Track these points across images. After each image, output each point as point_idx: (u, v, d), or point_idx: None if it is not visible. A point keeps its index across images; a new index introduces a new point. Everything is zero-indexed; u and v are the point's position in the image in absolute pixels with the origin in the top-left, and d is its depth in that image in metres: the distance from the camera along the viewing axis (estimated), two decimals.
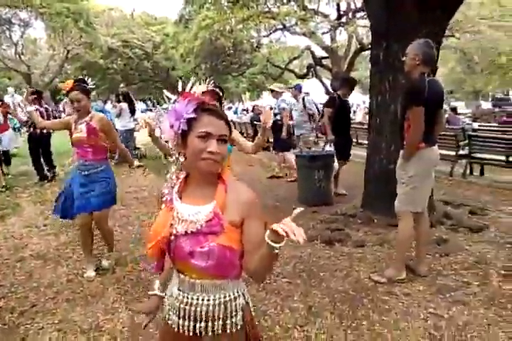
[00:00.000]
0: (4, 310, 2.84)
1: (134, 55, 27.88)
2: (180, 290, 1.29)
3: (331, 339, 2.41)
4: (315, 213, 4.77)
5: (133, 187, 6.44)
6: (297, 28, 17.14)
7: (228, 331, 1.27)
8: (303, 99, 6.97)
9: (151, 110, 25.74)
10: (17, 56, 25.25)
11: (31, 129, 6.88)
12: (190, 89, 1.28)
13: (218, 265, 1.21)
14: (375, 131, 4.59)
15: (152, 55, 28.29)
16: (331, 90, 16.56)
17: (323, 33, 18.05)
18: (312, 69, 19.46)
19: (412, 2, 4.09)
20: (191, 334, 1.28)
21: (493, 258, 3.46)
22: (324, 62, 18.87)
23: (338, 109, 5.71)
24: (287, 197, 5.72)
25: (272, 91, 7.32)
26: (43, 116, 6.75)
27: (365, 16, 12.31)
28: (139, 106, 19.55)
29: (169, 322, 1.33)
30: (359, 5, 14.73)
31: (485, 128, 9.90)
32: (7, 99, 9.04)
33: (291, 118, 7.22)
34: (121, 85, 19.04)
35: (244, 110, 20.76)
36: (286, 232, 0.98)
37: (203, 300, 1.26)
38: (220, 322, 1.26)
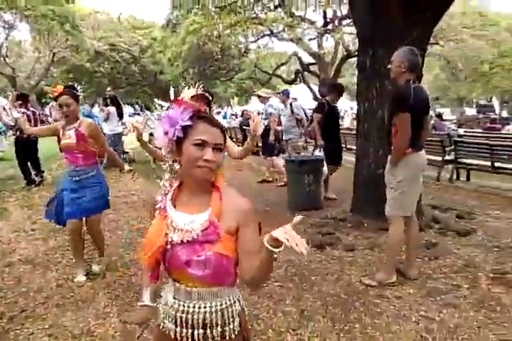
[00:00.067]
0: None
1: (121, 58, 27.68)
2: (175, 298, 1.28)
3: None
4: (305, 217, 4.78)
5: (122, 192, 6.38)
6: (284, 34, 17.31)
7: (227, 337, 1.27)
8: (291, 104, 7.03)
9: (138, 114, 25.56)
10: (1, 58, 24.84)
11: (18, 133, 6.78)
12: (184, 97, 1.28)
13: (215, 273, 1.21)
14: (363, 136, 4.65)
15: (139, 59, 28.14)
16: (318, 96, 16.75)
17: (310, 40, 18.25)
18: (300, 74, 19.65)
19: (397, 7, 4.17)
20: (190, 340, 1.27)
21: (482, 261, 3.52)
22: (312, 68, 19.07)
23: (327, 114, 5.79)
24: (277, 201, 5.74)
25: (259, 96, 7.38)
26: (29, 120, 6.67)
27: (351, 23, 12.52)
28: (127, 110, 19.41)
29: (164, 329, 1.31)
30: (345, 12, 14.94)
31: (470, 134, 10.10)
32: None
33: (279, 123, 7.28)
34: (108, 89, 18.92)
35: (233, 115, 20.81)
36: (289, 242, 0.99)
37: (199, 307, 1.25)
38: (219, 328, 1.26)
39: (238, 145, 3.12)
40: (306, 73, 19.41)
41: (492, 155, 6.50)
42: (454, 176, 7.35)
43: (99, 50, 26.03)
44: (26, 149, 6.92)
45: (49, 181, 7.18)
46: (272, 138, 6.91)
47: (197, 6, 14.58)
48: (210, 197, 1.26)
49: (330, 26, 16.41)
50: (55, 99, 3.19)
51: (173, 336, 1.28)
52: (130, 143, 9.80)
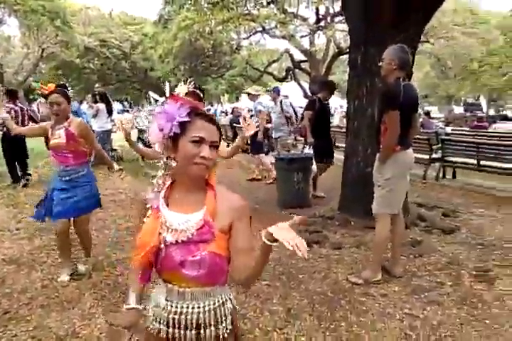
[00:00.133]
0: None
1: (111, 54, 27.40)
2: (168, 300, 1.26)
3: None
4: (293, 215, 4.80)
5: (110, 190, 6.32)
6: (277, 30, 17.28)
7: (221, 337, 1.27)
8: (281, 101, 7.03)
9: (127, 111, 25.39)
10: None
11: (4, 129, 6.66)
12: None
13: (209, 273, 1.20)
14: (353, 134, 4.67)
15: (130, 55, 27.88)
16: (309, 93, 16.76)
17: (302, 37, 18.26)
18: (291, 72, 19.62)
19: (390, 6, 4.18)
20: None
21: (465, 259, 3.57)
22: (303, 65, 19.07)
23: (319, 112, 5.80)
24: (266, 199, 5.75)
25: (249, 94, 7.37)
26: (17, 116, 6.59)
27: (344, 21, 12.54)
28: (116, 106, 19.25)
29: (154, 331, 1.29)
30: (338, 9, 14.95)
31: (457, 132, 10.19)
32: None
33: (269, 121, 7.28)
34: (97, 85, 18.72)
35: (223, 112, 20.72)
36: (291, 245, 0.98)
37: (193, 308, 1.24)
38: (212, 328, 1.25)
39: (228, 144, 3.12)
40: (297, 70, 19.40)
41: (478, 154, 6.57)
42: (441, 174, 7.42)
43: (90, 46, 25.73)
44: (14, 147, 6.80)
45: (35, 179, 7.09)
46: (260, 135, 6.91)
47: (189, 2, 14.51)
48: (205, 195, 1.24)
49: (322, 23, 16.41)
50: (46, 96, 3.14)
51: (164, 337, 1.26)
52: (118, 140, 9.72)
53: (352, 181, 4.65)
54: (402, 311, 2.76)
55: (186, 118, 1.18)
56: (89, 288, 3.14)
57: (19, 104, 6.94)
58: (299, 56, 19.42)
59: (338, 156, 5.99)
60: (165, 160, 1.24)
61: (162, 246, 1.20)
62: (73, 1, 26.77)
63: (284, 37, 17.37)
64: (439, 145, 7.38)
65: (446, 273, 3.30)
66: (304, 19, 16.58)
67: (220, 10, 13.86)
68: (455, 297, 2.93)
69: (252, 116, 6.87)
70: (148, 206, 1.26)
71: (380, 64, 3.13)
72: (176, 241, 1.19)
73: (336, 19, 15.90)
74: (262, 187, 6.71)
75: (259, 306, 2.85)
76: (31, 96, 28.18)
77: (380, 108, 3.23)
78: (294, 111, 7.20)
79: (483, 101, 31.26)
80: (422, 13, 4.27)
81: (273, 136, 7.20)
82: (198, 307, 1.24)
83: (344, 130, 5.98)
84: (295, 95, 17.40)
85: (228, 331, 1.28)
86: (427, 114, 12.01)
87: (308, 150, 5.96)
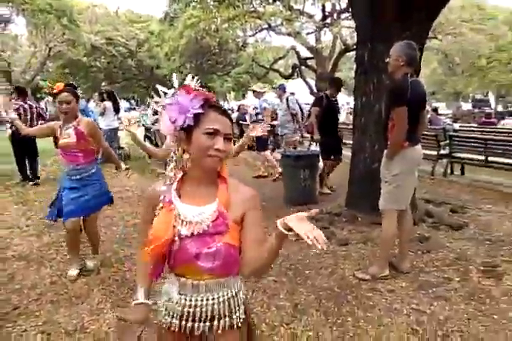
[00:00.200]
0: None
1: (117, 52, 27.47)
2: (181, 294, 1.25)
3: (316, 336, 2.45)
4: (300, 212, 4.80)
5: (117, 188, 6.35)
6: (282, 28, 17.17)
7: (235, 326, 1.27)
8: (287, 99, 7.02)
9: (134, 109, 25.48)
10: None
11: (13, 128, 6.72)
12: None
13: (224, 264, 1.20)
14: (360, 130, 4.66)
15: (136, 53, 27.93)
16: (315, 90, 16.71)
17: (308, 34, 18.12)
18: (297, 69, 19.55)
19: (391, 5, 4.15)
20: (196, 333, 1.25)
21: (473, 254, 3.56)
22: (309, 62, 18.96)
23: (326, 108, 5.79)
24: (273, 196, 5.76)
25: (254, 91, 7.37)
26: (26, 113, 6.64)
27: (350, 17, 12.47)
28: (123, 104, 19.33)
29: (166, 325, 1.29)
30: (344, 6, 14.86)
31: (465, 128, 10.12)
32: None
33: (275, 118, 7.27)
34: (103, 83, 18.77)
35: (229, 110, 20.73)
36: (310, 239, 0.97)
37: (207, 300, 1.23)
38: (227, 318, 1.25)
39: (234, 141, 3.13)
40: (303, 68, 19.31)
41: (486, 150, 6.53)
42: (449, 170, 7.38)
43: (96, 44, 25.81)
44: (24, 146, 6.83)
45: (44, 177, 7.15)
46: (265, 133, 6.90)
47: (195, 0, 14.50)
48: (216, 187, 1.24)
49: (328, 20, 16.32)
50: (55, 95, 3.16)
51: (176, 330, 1.26)
52: (125, 138, 9.76)
53: (359, 177, 4.64)
54: (409, 306, 2.75)
55: (200, 110, 1.17)
56: (98, 284, 3.17)
57: (28, 102, 6.98)
58: (305, 53, 19.32)
59: (345, 153, 5.97)
60: (177, 152, 1.23)
61: (176, 239, 1.19)
62: None
63: (289, 34, 17.27)
64: (447, 141, 7.34)
65: (454, 269, 3.29)
66: (310, 16, 16.47)
67: (226, 7, 13.84)
68: (463, 292, 2.92)
69: (257, 113, 6.88)
70: (161, 198, 1.24)
71: (387, 60, 3.11)
72: (192, 234, 1.19)
73: (342, 16, 15.77)
74: (268, 184, 6.71)
75: (266, 301, 2.86)
76: (39, 95, 28.37)
77: (387, 104, 3.21)
78: (300, 108, 7.19)
79: (491, 98, 30.94)
80: (424, 12, 4.23)
81: (279, 133, 7.19)
82: (213, 299, 1.24)
83: (350, 127, 5.95)
84: (301, 92, 17.35)
85: (241, 320, 1.29)
86: (435, 110, 11.95)
87: (315, 147, 5.95)
